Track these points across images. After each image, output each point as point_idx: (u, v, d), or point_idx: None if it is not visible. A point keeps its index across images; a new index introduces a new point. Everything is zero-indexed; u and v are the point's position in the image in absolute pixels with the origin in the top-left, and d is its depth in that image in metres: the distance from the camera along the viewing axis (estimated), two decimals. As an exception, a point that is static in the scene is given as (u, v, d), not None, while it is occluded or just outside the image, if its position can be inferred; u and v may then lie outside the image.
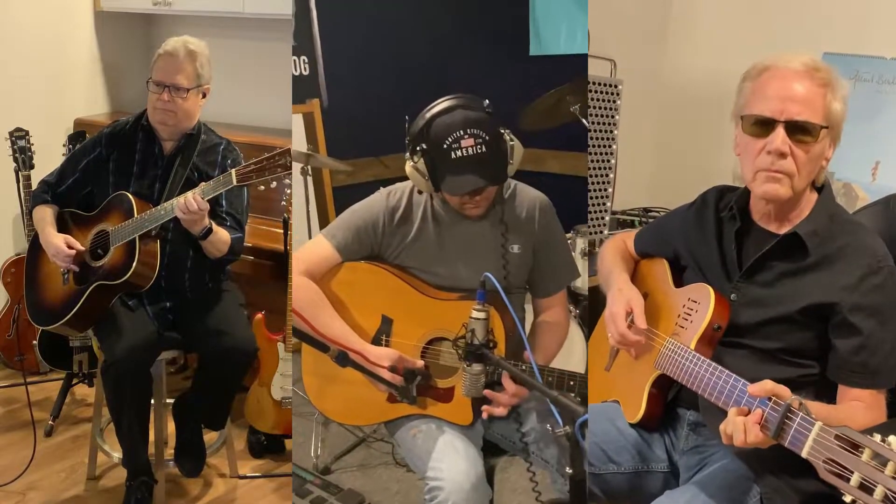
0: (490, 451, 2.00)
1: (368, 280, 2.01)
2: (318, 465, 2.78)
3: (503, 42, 3.64)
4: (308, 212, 3.24)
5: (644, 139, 3.63)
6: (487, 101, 1.92)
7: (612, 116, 3.11)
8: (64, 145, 3.37)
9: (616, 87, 3.09)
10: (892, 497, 1.18)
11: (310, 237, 3.31)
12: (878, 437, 1.22)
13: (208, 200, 2.43)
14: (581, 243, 2.90)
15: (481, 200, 1.95)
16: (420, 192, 2.04)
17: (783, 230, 1.67)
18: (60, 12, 3.80)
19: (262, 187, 2.41)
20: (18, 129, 3.24)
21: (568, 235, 2.83)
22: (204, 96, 2.61)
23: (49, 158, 3.18)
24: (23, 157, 3.20)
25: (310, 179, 3.20)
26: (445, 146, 1.85)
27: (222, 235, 2.53)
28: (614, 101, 3.11)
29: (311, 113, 3.56)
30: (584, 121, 2.85)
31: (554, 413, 1.48)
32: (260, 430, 3.02)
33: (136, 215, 2.49)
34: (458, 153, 1.85)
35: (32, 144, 3.23)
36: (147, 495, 2.59)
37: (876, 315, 1.59)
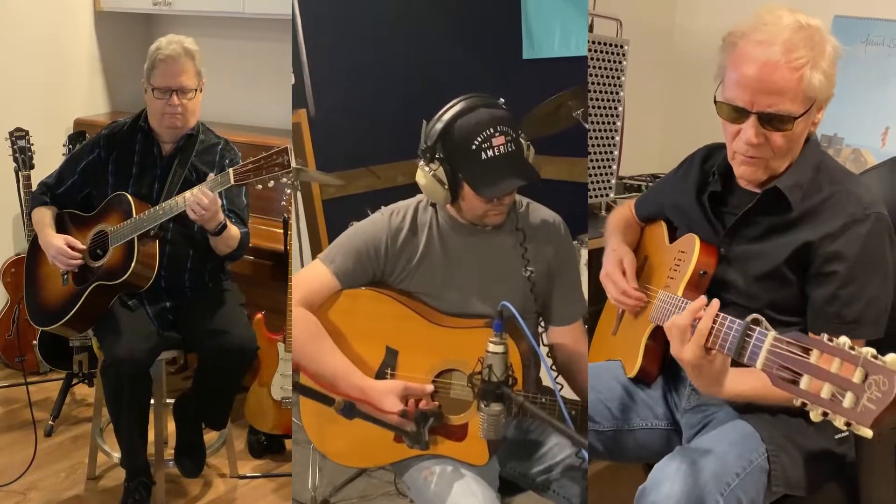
0: (506, 488, 1.87)
1: (370, 308, 1.86)
2: (317, 497, 2.69)
3: (497, 47, 3.57)
4: (298, 228, 3.15)
5: (653, 102, 3.57)
6: (502, 99, 1.81)
7: (618, 78, 3.03)
8: (64, 145, 3.37)
9: (622, 47, 3.01)
10: (838, 394, 1.17)
11: (300, 255, 3.22)
12: (825, 338, 1.22)
13: None
14: (585, 254, 2.79)
15: (508, 203, 1.83)
16: (427, 208, 1.90)
17: (766, 186, 1.66)
18: (60, 12, 3.80)
19: (260, 186, 2.39)
20: (18, 129, 3.24)
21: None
22: (201, 91, 2.61)
23: (49, 158, 3.18)
24: (23, 157, 3.20)
25: (299, 195, 3.14)
26: (475, 147, 1.72)
27: (234, 231, 2.53)
28: (620, 63, 3.03)
29: (299, 124, 3.46)
30: (586, 126, 2.80)
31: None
32: (260, 430, 3.02)
33: (134, 216, 2.49)
34: (490, 153, 1.73)
35: (32, 144, 3.24)
36: (145, 496, 2.59)
37: (855, 264, 1.56)
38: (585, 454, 1.57)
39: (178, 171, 2.57)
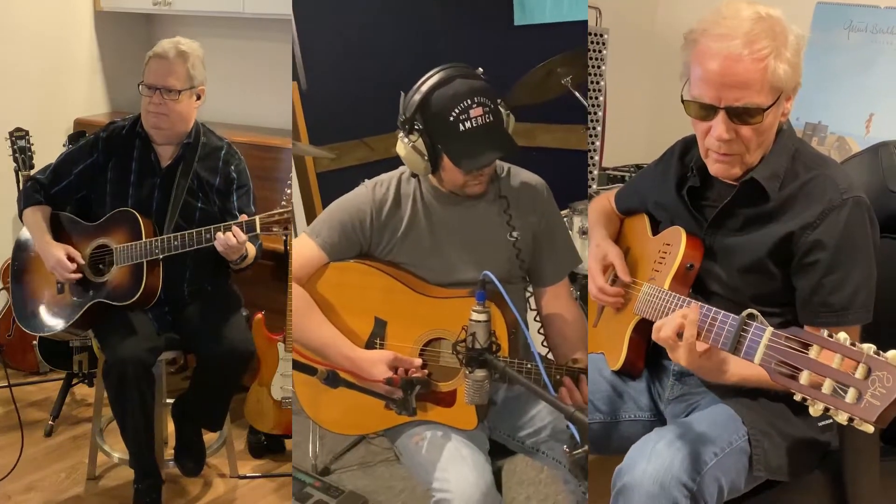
0: (497, 451, 1.92)
1: (358, 280, 1.89)
2: (318, 465, 2.72)
3: (488, 13, 3.50)
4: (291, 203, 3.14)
5: (636, 92, 3.54)
6: (481, 69, 1.83)
7: (598, 67, 3.05)
8: (64, 145, 3.36)
9: (602, 36, 3.02)
10: (840, 389, 1.18)
11: (295, 230, 3.23)
12: (825, 333, 1.23)
13: (218, 207, 2.46)
14: (578, 221, 2.79)
15: (487, 174, 1.86)
16: (410, 179, 1.92)
17: (743, 178, 1.65)
18: (60, 12, 3.80)
19: (285, 237, 2.38)
20: (18, 129, 3.23)
21: (563, 213, 2.74)
22: (198, 98, 2.57)
23: (49, 158, 3.14)
24: (23, 157, 3.19)
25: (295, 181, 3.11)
26: (452, 118, 1.74)
27: (251, 253, 2.53)
28: (600, 52, 3.03)
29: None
30: (576, 93, 2.78)
31: (571, 428, 1.41)
32: (260, 430, 3.01)
33: (143, 237, 2.45)
34: (468, 125, 1.74)
35: (32, 144, 3.23)
36: (157, 498, 2.58)
37: (837, 251, 1.56)
38: (577, 436, 1.48)
39: (181, 182, 2.53)
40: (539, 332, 1.98)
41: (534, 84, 2.77)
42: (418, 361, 1.81)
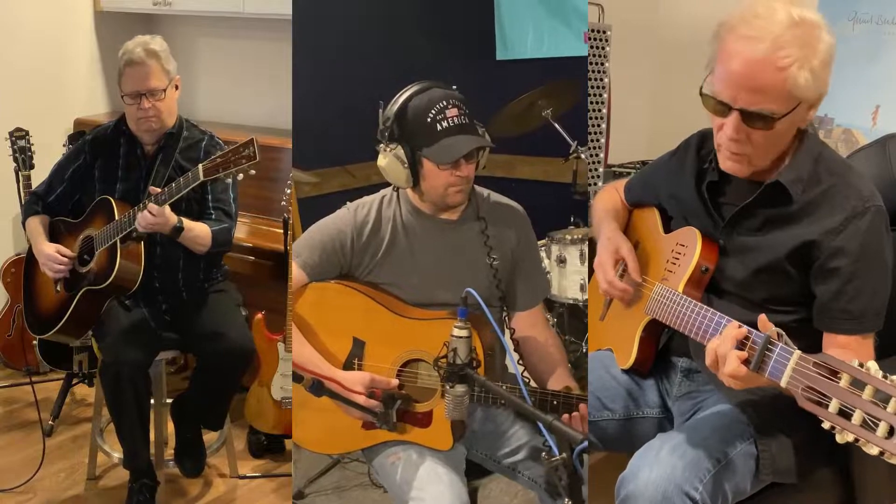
0: (473, 471, 1.91)
1: (337, 301, 1.91)
2: (292, 489, 2.71)
3: (473, 49, 3.59)
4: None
5: (641, 89, 3.55)
6: (455, 86, 1.89)
7: (602, 64, 3.06)
8: (64, 145, 3.37)
9: (605, 32, 3.04)
10: (871, 421, 1.17)
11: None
12: (855, 363, 1.22)
13: (200, 195, 2.46)
14: (556, 250, 2.82)
15: (468, 176, 1.85)
16: (391, 201, 1.94)
17: (766, 178, 1.63)
18: (60, 12, 3.81)
19: (229, 180, 2.41)
20: (18, 129, 3.24)
21: (541, 242, 2.77)
22: (176, 88, 2.60)
23: (49, 158, 3.16)
24: (23, 157, 3.20)
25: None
26: (430, 119, 1.80)
27: (199, 230, 2.50)
28: (603, 48, 3.05)
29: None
30: (556, 125, 2.82)
31: (547, 438, 1.41)
32: (260, 430, 3.02)
33: (116, 218, 2.48)
34: (445, 123, 1.80)
35: (32, 144, 3.24)
36: (149, 498, 2.58)
37: (858, 259, 1.55)
38: (555, 448, 1.48)
39: (160, 170, 2.56)
40: (515, 352, 1.97)
41: (514, 116, 2.83)
42: (395, 382, 1.82)
